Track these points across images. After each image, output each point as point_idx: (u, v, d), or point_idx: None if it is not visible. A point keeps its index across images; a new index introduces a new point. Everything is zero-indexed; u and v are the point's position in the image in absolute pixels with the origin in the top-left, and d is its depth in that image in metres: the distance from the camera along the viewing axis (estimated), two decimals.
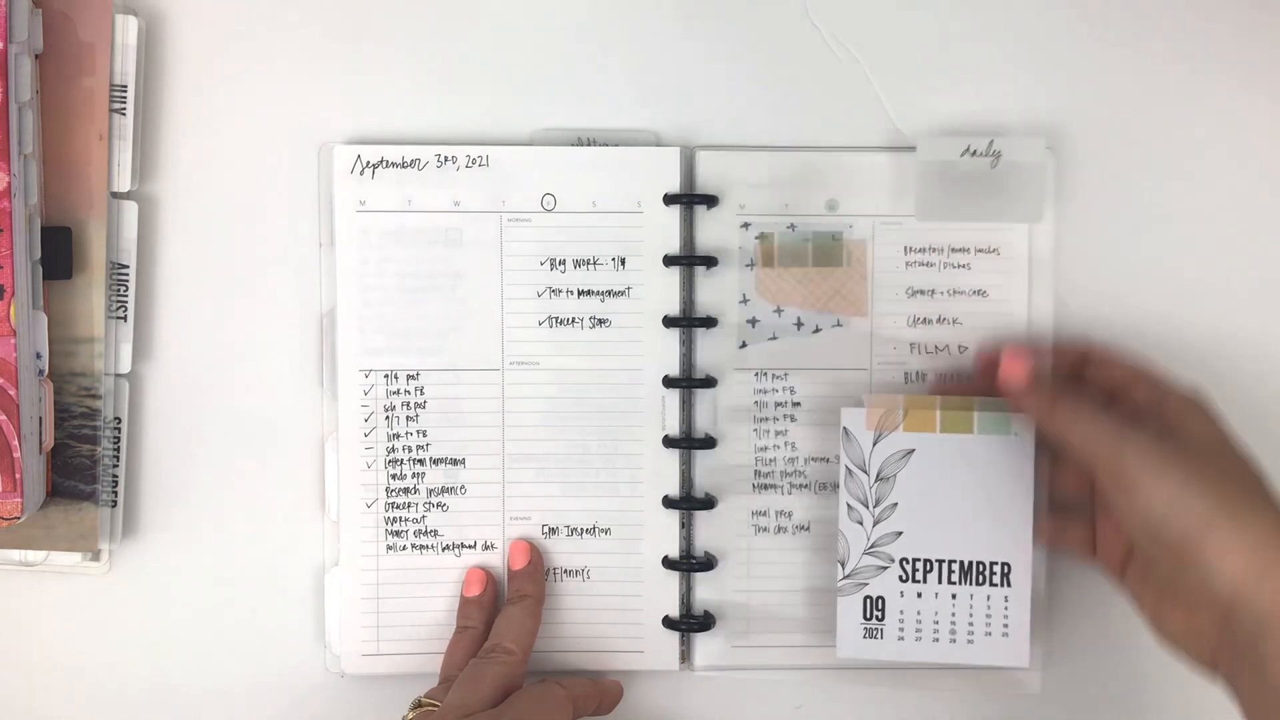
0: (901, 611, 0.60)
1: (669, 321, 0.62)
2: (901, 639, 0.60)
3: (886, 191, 0.63)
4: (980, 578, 0.60)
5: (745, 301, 0.63)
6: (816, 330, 0.63)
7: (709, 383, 0.62)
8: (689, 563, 0.62)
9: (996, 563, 0.60)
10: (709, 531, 0.63)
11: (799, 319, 0.63)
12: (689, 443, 0.62)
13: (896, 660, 0.60)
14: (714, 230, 0.62)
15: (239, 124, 0.63)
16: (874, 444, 0.60)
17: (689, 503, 0.62)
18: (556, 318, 0.62)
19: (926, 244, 0.63)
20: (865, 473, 0.60)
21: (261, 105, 0.63)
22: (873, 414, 0.60)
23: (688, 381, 0.62)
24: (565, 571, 0.63)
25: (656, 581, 0.63)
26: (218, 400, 0.63)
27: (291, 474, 0.63)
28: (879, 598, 0.60)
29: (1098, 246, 0.64)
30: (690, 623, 0.62)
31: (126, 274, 0.61)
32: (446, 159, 0.61)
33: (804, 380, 0.63)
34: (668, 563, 0.62)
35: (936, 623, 0.60)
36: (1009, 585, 0.60)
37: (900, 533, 0.60)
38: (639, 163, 0.62)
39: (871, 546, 0.60)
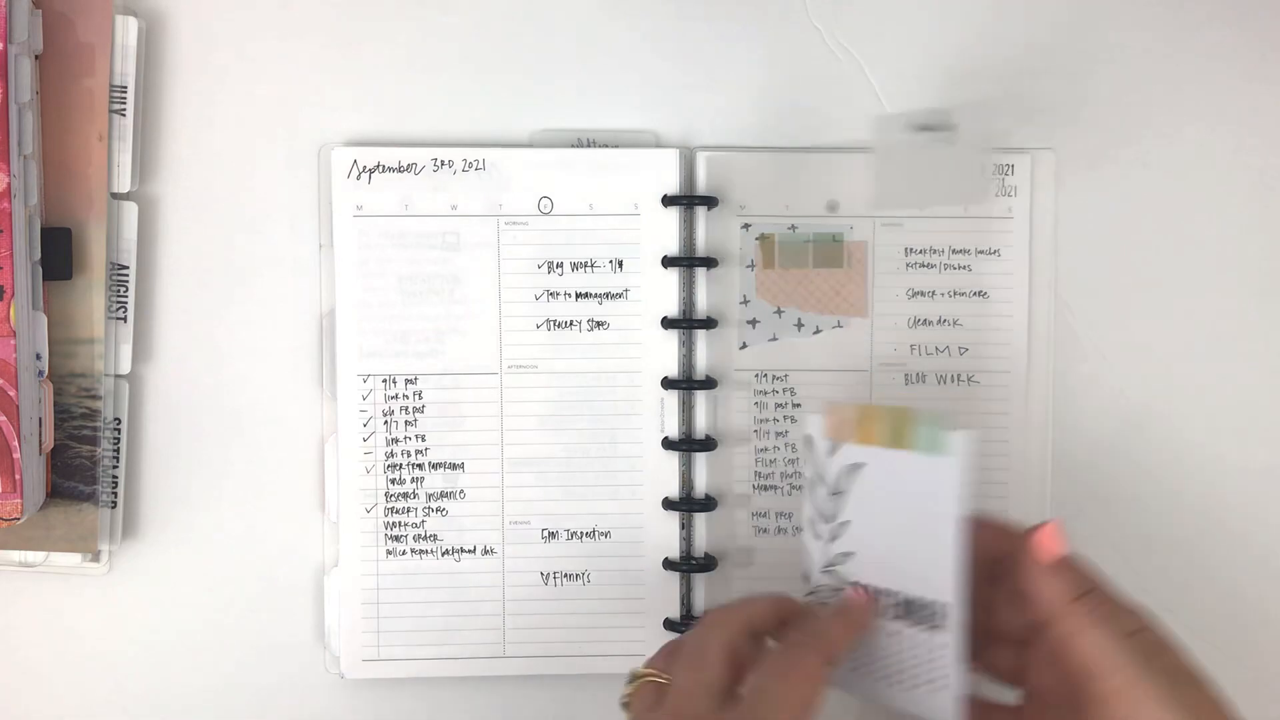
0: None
1: (668, 323, 0.62)
2: (854, 669, 0.54)
3: None
4: (919, 616, 0.53)
5: (745, 302, 0.62)
6: (817, 331, 0.63)
7: (709, 384, 0.62)
8: (689, 564, 0.62)
9: (936, 602, 0.52)
10: (709, 533, 0.63)
11: (799, 320, 0.63)
12: (689, 444, 0.62)
13: (844, 693, 0.55)
14: (714, 231, 0.62)
15: (239, 125, 0.62)
16: (829, 455, 0.55)
17: (689, 504, 0.62)
18: (554, 320, 0.62)
19: (927, 245, 0.63)
20: (824, 485, 0.55)
21: (261, 106, 0.63)
22: (830, 423, 0.54)
23: (687, 383, 0.62)
24: (565, 575, 0.62)
25: (657, 584, 0.63)
26: (218, 400, 0.63)
27: (291, 475, 0.63)
28: None
29: (1098, 247, 0.64)
30: (691, 625, 0.62)
31: (126, 275, 0.61)
32: (443, 163, 0.61)
33: (804, 381, 0.63)
34: (668, 564, 0.62)
35: (883, 659, 0.54)
36: (946, 630, 0.52)
37: (852, 554, 0.54)
38: (637, 164, 0.62)
39: (828, 565, 0.55)
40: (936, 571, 0.52)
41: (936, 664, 0.52)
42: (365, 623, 0.62)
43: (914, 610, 0.53)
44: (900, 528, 0.53)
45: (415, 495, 0.62)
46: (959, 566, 0.51)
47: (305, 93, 0.63)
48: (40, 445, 0.58)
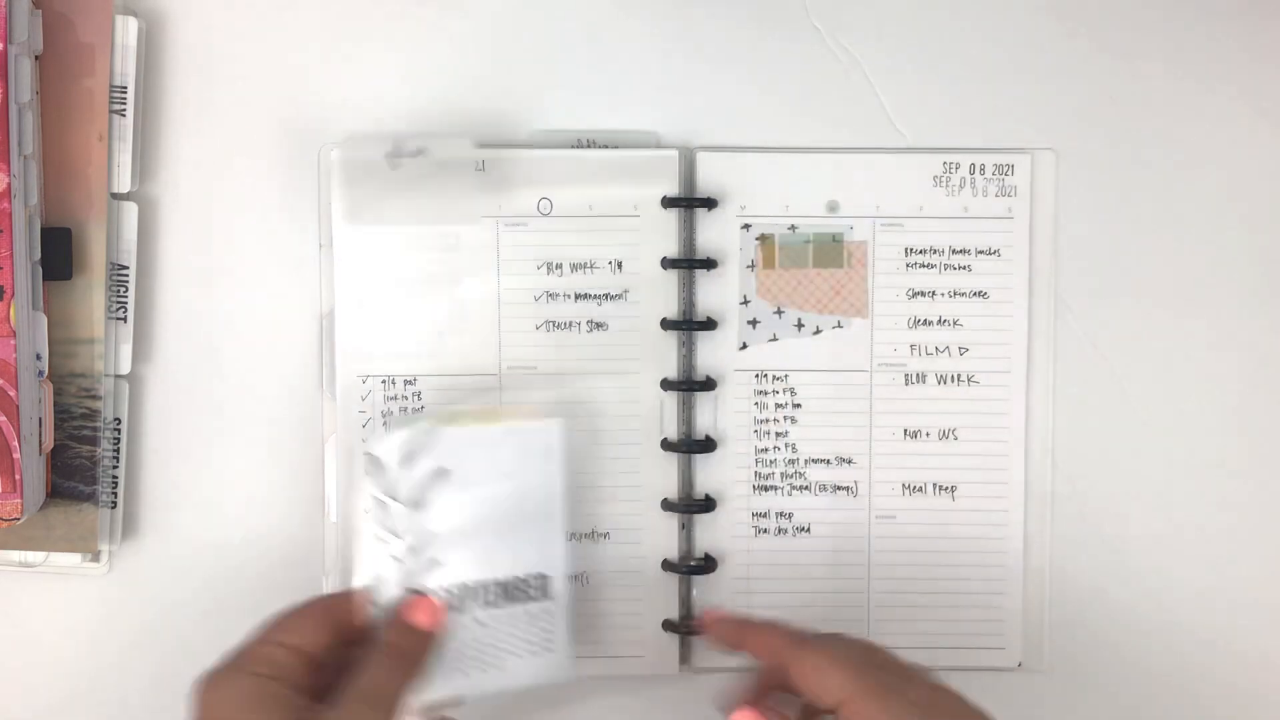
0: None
1: (668, 324, 0.62)
2: (447, 673, 0.54)
3: (887, 192, 0.62)
4: (520, 594, 0.55)
5: (746, 303, 0.62)
6: (817, 332, 0.63)
7: (709, 385, 0.62)
8: (689, 565, 0.62)
9: (533, 575, 0.56)
10: (709, 534, 0.63)
11: (799, 320, 0.63)
12: (688, 445, 0.62)
13: (447, 695, 0.54)
14: (714, 232, 0.62)
15: (239, 125, 0.63)
16: (403, 468, 0.54)
17: (688, 505, 0.62)
18: (554, 322, 0.62)
19: (927, 245, 0.63)
20: (396, 501, 0.54)
21: (261, 106, 0.62)
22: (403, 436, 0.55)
23: (687, 384, 0.62)
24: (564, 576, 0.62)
25: (656, 584, 0.63)
26: (218, 400, 0.63)
27: (291, 474, 0.63)
28: None
29: (1098, 247, 0.64)
30: (690, 625, 0.62)
31: (126, 275, 0.61)
32: (443, 164, 0.61)
33: (804, 381, 0.63)
34: (667, 566, 0.62)
35: (481, 650, 0.55)
36: (548, 597, 0.56)
37: (437, 561, 0.54)
38: (637, 165, 0.62)
39: (409, 579, 0.54)
40: (538, 545, 0.56)
41: (543, 629, 0.56)
42: None
43: (512, 590, 0.55)
44: (495, 515, 0.55)
45: None
46: (560, 528, 0.56)
47: (305, 93, 0.63)
48: (40, 445, 0.59)
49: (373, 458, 0.55)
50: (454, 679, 0.54)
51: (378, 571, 0.54)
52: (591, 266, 0.62)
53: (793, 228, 0.63)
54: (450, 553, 0.55)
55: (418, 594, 0.54)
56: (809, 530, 0.63)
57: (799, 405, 0.63)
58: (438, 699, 0.54)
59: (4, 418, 0.56)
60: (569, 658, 0.57)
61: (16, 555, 0.61)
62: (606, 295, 0.62)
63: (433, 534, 0.54)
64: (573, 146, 0.62)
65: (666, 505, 0.62)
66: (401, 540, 0.54)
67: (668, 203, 0.62)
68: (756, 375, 0.63)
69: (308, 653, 0.51)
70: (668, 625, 0.62)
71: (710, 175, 0.62)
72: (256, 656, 0.50)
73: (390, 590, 0.54)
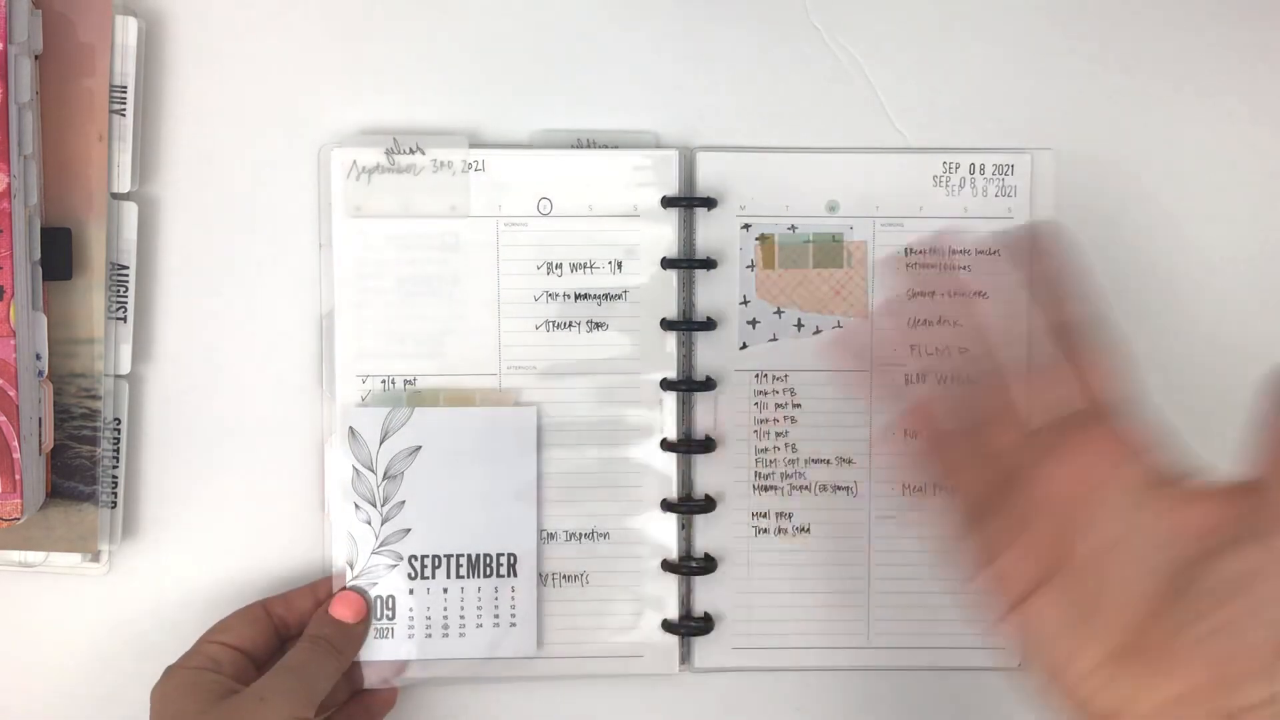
0: (411, 609, 0.61)
1: (667, 324, 0.62)
2: (411, 636, 0.61)
3: (887, 192, 0.62)
4: (489, 569, 0.61)
5: (745, 303, 0.62)
6: (817, 331, 0.63)
7: (708, 385, 0.62)
8: (689, 565, 0.62)
9: (503, 554, 0.61)
10: (709, 534, 0.63)
11: (799, 320, 0.63)
12: (688, 445, 0.62)
13: (409, 658, 0.61)
14: (714, 232, 0.62)
15: (239, 125, 0.62)
16: (381, 442, 0.60)
17: (688, 505, 0.62)
18: (554, 322, 0.62)
19: (927, 245, 0.63)
20: (372, 472, 0.60)
21: (261, 106, 0.62)
22: (382, 413, 0.61)
23: (687, 384, 0.62)
24: (564, 576, 0.62)
25: (656, 584, 0.63)
26: (218, 400, 0.63)
27: (291, 474, 0.63)
28: (389, 597, 0.61)
29: (1098, 248, 0.64)
30: (690, 626, 0.62)
31: (126, 275, 0.61)
32: (443, 164, 0.61)
33: (804, 381, 0.63)
34: (667, 566, 0.62)
35: (446, 618, 0.61)
36: (515, 575, 0.61)
37: (409, 530, 0.61)
38: (637, 165, 0.62)
39: (380, 545, 0.61)
40: (510, 526, 0.61)
41: (509, 605, 0.61)
42: None
43: (480, 565, 0.61)
44: (467, 493, 0.61)
45: None
46: (533, 510, 0.61)
47: (305, 93, 0.63)
48: (40, 445, 0.58)
49: (352, 430, 0.60)
50: (418, 642, 0.61)
51: (352, 536, 0.61)
52: (591, 266, 0.62)
53: (793, 228, 0.63)
54: (422, 523, 0.61)
55: (347, 590, 0.61)
56: (809, 530, 0.63)
57: (799, 405, 0.63)
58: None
59: (4, 418, 0.56)
60: (531, 635, 0.61)
61: (16, 555, 0.61)
62: (606, 295, 0.62)
63: (405, 505, 0.61)
64: (573, 146, 0.62)
65: (666, 505, 0.62)
66: (376, 508, 0.61)
67: (668, 203, 0.62)
68: (756, 375, 0.63)
69: (244, 650, 0.57)
70: (668, 625, 0.62)
71: (710, 175, 0.62)
72: (195, 654, 0.57)
73: (362, 552, 0.61)
